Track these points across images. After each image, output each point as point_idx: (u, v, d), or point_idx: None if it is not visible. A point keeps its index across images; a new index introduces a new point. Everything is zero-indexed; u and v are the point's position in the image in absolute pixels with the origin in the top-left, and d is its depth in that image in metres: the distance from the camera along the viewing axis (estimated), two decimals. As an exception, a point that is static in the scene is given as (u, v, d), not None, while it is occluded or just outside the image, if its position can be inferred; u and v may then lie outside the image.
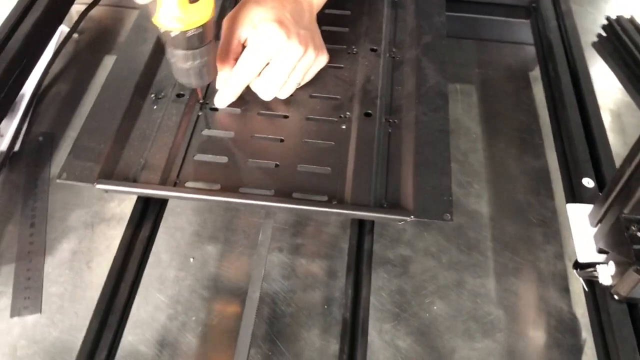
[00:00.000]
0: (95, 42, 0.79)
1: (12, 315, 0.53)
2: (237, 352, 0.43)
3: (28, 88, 0.69)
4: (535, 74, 0.76)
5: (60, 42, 0.75)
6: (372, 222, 0.50)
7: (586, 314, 0.54)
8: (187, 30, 0.44)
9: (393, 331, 0.53)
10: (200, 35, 0.45)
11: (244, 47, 0.53)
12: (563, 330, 0.54)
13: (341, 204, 0.48)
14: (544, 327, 0.55)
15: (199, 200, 0.47)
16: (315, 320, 0.54)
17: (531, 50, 0.78)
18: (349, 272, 0.47)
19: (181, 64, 0.48)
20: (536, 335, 0.54)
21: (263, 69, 0.53)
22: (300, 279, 0.57)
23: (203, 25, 0.45)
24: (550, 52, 0.67)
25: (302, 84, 0.57)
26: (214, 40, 0.48)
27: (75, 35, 0.78)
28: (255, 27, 0.52)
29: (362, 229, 0.49)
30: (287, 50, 0.52)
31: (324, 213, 0.47)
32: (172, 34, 0.44)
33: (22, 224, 0.59)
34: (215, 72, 0.52)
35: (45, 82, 0.72)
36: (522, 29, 0.79)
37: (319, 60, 0.56)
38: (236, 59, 0.53)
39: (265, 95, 0.55)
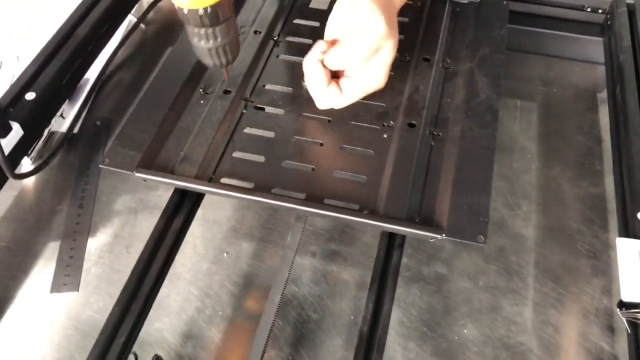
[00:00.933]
0: (161, 33, 0.81)
1: (51, 291, 0.56)
2: (251, 353, 0.43)
3: (92, 74, 0.72)
4: (603, 96, 0.72)
5: (127, 31, 0.78)
6: (403, 237, 0.48)
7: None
8: (198, 9, 0.43)
9: (418, 350, 0.52)
10: (214, 13, 0.44)
11: None
12: (601, 371, 0.51)
13: (372, 214, 0.47)
14: (580, 364, 0.51)
15: (232, 197, 0.48)
16: (340, 330, 0.53)
17: (601, 70, 0.74)
18: (372, 285, 0.46)
19: (199, 43, 0.47)
20: (571, 373, 0.51)
21: None
22: (330, 286, 0.56)
23: (216, 4, 0.44)
24: (620, 73, 0.63)
25: None
26: (233, 18, 0.47)
27: (143, 26, 0.81)
28: (379, 51, 0.50)
29: (391, 242, 0.48)
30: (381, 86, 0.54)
31: (353, 222, 0.46)
32: (185, 11, 0.44)
33: (71, 203, 0.62)
34: (237, 53, 0.50)
35: (109, 69, 0.75)
36: (595, 47, 0.74)
37: (380, 83, 0.54)
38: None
39: (323, 104, 0.55)
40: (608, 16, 0.72)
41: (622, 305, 0.47)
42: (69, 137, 0.67)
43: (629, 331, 0.47)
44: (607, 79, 0.67)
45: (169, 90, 0.55)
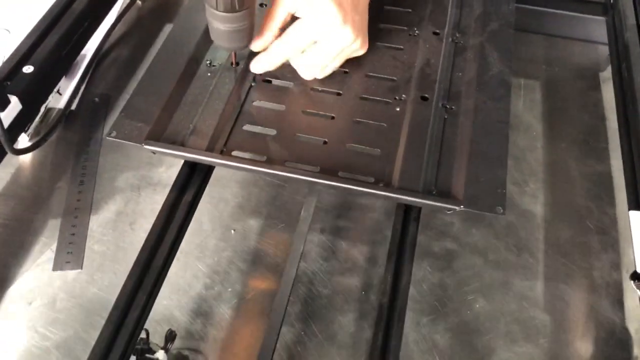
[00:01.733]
0: (158, 10, 0.80)
1: (54, 269, 0.54)
2: (268, 328, 0.42)
3: (89, 50, 0.70)
4: (606, 74, 0.72)
5: (123, 7, 0.76)
6: (419, 209, 0.48)
7: (640, 329, 0.51)
8: None
9: (431, 325, 0.51)
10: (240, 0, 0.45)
11: (292, 17, 0.52)
12: (613, 344, 0.51)
13: (388, 187, 0.46)
14: (592, 338, 0.51)
15: (244, 169, 0.47)
16: (351, 305, 0.53)
17: (603, 49, 0.74)
18: (390, 258, 0.45)
19: (218, 25, 0.47)
20: (583, 346, 0.51)
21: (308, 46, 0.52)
22: (340, 262, 0.55)
23: None
24: (625, 51, 0.63)
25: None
26: (254, 6, 0.48)
27: (139, 2, 0.79)
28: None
29: (407, 215, 0.48)
30: (340, 35, 0.50)
31: (369, 194, 0.45)
32: None
33: (71, 180, 0.60)
34: (251, 38, 0.51)
35: (106, 45, 0.73)
36: (596, 27, 0.74)
37: (361, 50, 0.54)
38: (282, 28, 0.52)
39: (305, 74, 0.54)
40: (611, -5, 0.72)
41: (636, 276, 0.47)
42: (66, 114, 0.65)
43: (643, 303, 0.47)
44: (612, 57, 0.66)
45: (175, 63, 0.54)
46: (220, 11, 0.46)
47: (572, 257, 0.56)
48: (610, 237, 0.57)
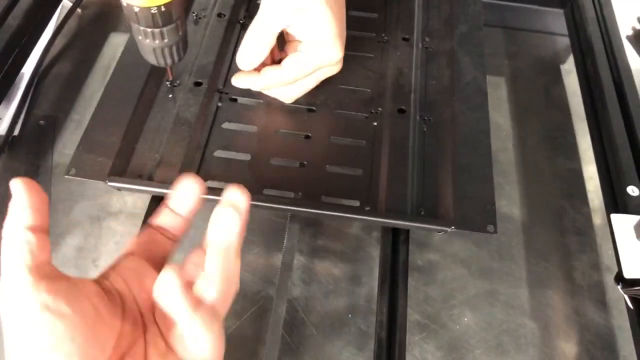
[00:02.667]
0: (100, 17, 0.74)
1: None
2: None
3: (28, 68, 0.64)
4: (567, 67, 0.72)
5: (62, 18, 0.70)
6: (407, 231, 0.46)
7: (624, 327, 0.51)
8: (150, 7, 0.40)
9: (422, 344, 0.50)
10: (165, 13, 0.41)
11: (283, 33, 0.47)
12: (600, 346, 0.51)
13: (375, 210, 0.44)
14: (579, 341, 0.52)
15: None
16: (338, 332, 0.50)
17: (562, 41, 0.74)
18: (382, 286, 0.43)
19: (146, 42, 0.43)
20: (572, 351, 0.51)
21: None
22: (322, 285, 0.53)
23: (169, 3, 0.40)
24: (588, 46, 0.63)
25: None
26: (183, 18, 0.43)
27: (79, 11, 0.73)
28: (302, 12, 0.44)
29: (396, 237, 0.46)
30: (334, 69, 0.49)
31: (356, 220, 0.43)
32: (135, 9, 0.40)
33: (22, 216, 0.55)
34: (184, 52, 0.46)
35: (46, 61, 0.67)
36: (554, 19, 0.74)
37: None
38: (269, 48, 0.47)
39: (289, 98, 0.51)
40: (568, -13, 0.72)
41: (621, 280, 0.47)
42: (9, 141, 0.59)
43: (631, 307, 0.47)
44: (574, 51, 0.66)
45: (132, 86, 0.49)
46: (143, 27, 0.42)
47: (552, 260, 0.56)
48: (587, 237, 0.58)
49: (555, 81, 0.71)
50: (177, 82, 0.51)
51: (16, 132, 0.61)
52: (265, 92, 0.50)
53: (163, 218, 0.36)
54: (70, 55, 0.69)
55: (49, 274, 0.28)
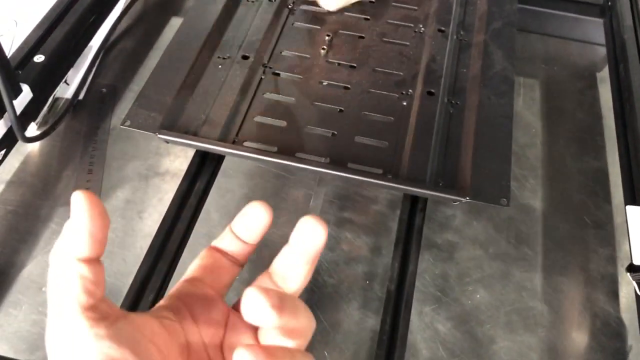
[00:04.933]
0: (164, 3, 0.80)
1: (64, 254, 0.55)
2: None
3: (95, 41, 0.71)
4: (603, 75, 0.74)
5: (129, 0, 0.76)
6: (425, 200, 0.49)
7: (634, 320, 0.52)
8: None
9: (433, 314, 0.53)
10: None
11: None
12: (608, 334, 0.53)
13: (396, 178, 0.48)
14: (588, 328, 0.53)
15: (256, 160, 0.48)
16: (356, 294, 0.54)
17: (600, 50, 0.76)
18: (397, 246, 0.46)
19: None
20: (579, 336, 0.53)
21: None
22: (345, 252, 0.57)
23: None
24: (623, 52, 0.65)
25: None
26: None
27: (145, -5, 0.80)
28: None
29: (414, 206, 0.49)
30: None
31: (378, 185, 0.46)
32: None
33: (80, 170, 0.61)
34: None
35: (112, 38, 0.74)
36: (593, 28, 0.76)
37: None
38: None
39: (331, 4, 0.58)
40: (608, -3, 0.74)
41: (632, 268, 0.49)
42: (74, 104, 0.66)
43: (638, 293, 0.49)
44: (609, 57, 0.68)
45: (187, 55, 0.55)
46: None
47: (569, 250, 0.58)
48: (606, 231, 0.59)
49: (589, 87, 0.73)
50: (228, 55, 0.56)
51: (81, 96, 0.67)
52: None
53: (227, 242, 0.33)
54: (134, 34, 0.76)
55: (105, 314, 0.25)
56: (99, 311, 0.25)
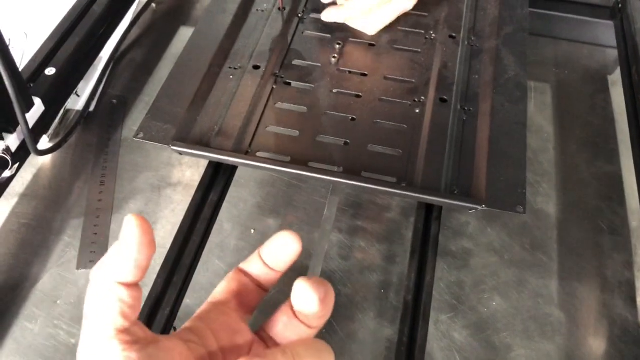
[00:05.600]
0: (172, 12, 0.81)
1: (78, 268, 0.55)
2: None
3: (105, 52, 0.71)
4: (614, 78, 0.74)
5: (138, 10, 0.77)
6: (440, 209, 0.49)
7: (654, 326, 0.52)
8: None
9: (449, 322, 0.53)
10: None
11: None
12: (627, 341, 0.52)
13: (411, 186, 0.47)
14: (606, 335, 0.53)
15: (269, 170, 0.48)
16: (371, 303, 0.54)
17: (611, 53, 0.76)
18: (413, 256, 0.46)
19: None
20: (597, 343, 0.52)
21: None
22: (359, 261, 0.56)
23: None
24: (635, 54, 0.65)
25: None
26: None
27: (153, 5, 0.80)
28: None
29: (429, 214, 0.49)
30: (407, 3, 0.59)
31: (393, 194, 0.46)
32: None
33: (92, 181, 0.61)
34: None
35: (122, 48, 0.74)
36: (604, 31, 0.76)
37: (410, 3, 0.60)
38: None
39: (371, 30, 0.60)
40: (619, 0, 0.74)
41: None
42: (85, 116, 0.66)
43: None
44: (621, 60, 0.68)
45: (198, 66, 0.55)
46: None
47: (585, 256, 0.57)
48: (622, 236, 0.59)
49: (601, 91, 0.73)
50: (239, 65, 0.56)
51: (92, 108, 0.67)
52: (350, 24, 0.60)
53: (254, 267, 0.32)
54: (144, 45, 0.76)
55: (137, 338, 0.26)
56: (132, 334, 0.25)
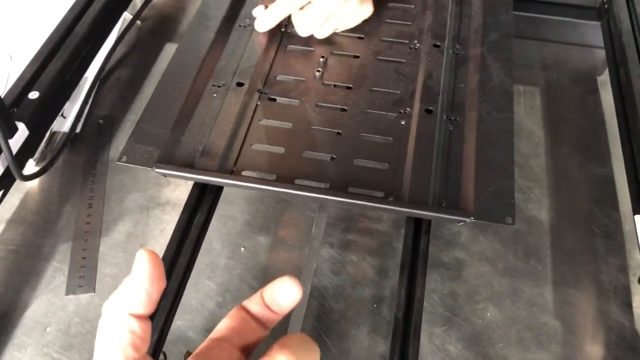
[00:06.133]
0: (157, 29, 0.80)
1: (67, 293, 0.54)
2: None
3: (90, 72, 0.70)
4: (603, 78, 0.73)
5: (123, 28, 0.76)
6: (429, 222, 0.48)
7: (650, 331, 0.51)
8: None
9: (444, 335, 0.52)
10: None
11: None
12: (624, 347, 0.52)
13: (398, 200, 0.47)
14: (603, 342, 0.52)
15: (255, 189, 0.47)
16: (364, 319, 0.53)
17: (599, 53, 0.75)
18: (402, 271, 0.45)
19: None
20: (594, 350, 0.52)
21: (306, 4, 0.57)
22: (350, 276, 0.56)
23: None
24: (622, 55, 0.64)
25: (342, 29, 0.60)
26: None
27: (138, 22, 0.79)
28: None
29: (418, 228, 0.48)
30: (360, 11, 0.57)
31: (380, 209, 0.46)
32: None
33: (80, 204, 0.61)
34: None
35: (107, 67, 0.74)
36: (591, 31, 0.75)
37: (363, 9, 0.59)
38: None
39: (302, 30, 0.59)
40: (605, 0, 0.73)
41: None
42: (71, 137, 0.65)
43: (653, 305, 0.47)
44: (609, 61, 0.67)
45: (181, 85, 0.54)
46: None
47: (579, 261, 0.57)
48: (616, 240, 0.58)
49: (590, 92, 0.72)
50: (222, 82, 0.56)
51: (78, 129, 0.67)
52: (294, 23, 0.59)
53: (256, 307, 0.32)
54: (129, 62, 0.76)
55: None
56: None
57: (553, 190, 0.62)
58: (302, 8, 0.58)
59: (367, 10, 0.59)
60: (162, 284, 0.27)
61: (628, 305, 0.54)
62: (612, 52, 0.68)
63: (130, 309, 0.26)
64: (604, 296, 0.55)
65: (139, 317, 0.27)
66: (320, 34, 0.59)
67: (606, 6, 0.73)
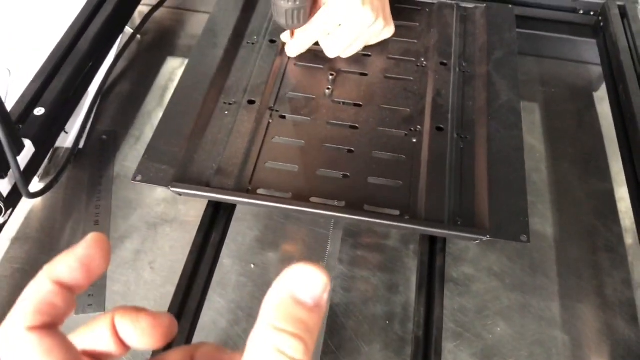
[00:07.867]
0: (157, 43, 0.80)
1: (76, 313, 0.53)
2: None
3: (92, 87, 0.70)
4: (600, 94, 0.75)
5: (123, 43, 0.76)
6: (444, 240, 0.49)
7: (656, 345, 0.52)
8: None
9: (456, 351, 0.52)
10: None
11: (317, 5, 0.57)
12: (632, 361, 0.53)
13: (414, 219, 0.47)
14: (611, 355, 0.53)
15: (273, 208, 0.47)
16: (377, 335, 0.53)
17: (594, 69, 0.77)
18: (420, 289, 0.46)
19: (280, 3, 0.54)
20: (603, 364, 0.53)
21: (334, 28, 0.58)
22: (362, 292, 0.56)
23: None
24: (620, 73, 0.66)
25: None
26: None
27: (139, 37, 0.79)
28: None
29: (433, 245, 0.49)
30: (359, 16, 0.56)
31: (398, 228, 0.46)
32: None
33: (86, 221, 0.60)
34: (307, 19, 0.57)
35: (109, 81, 0.73)
36: (587, 48, 0.77)
37: (386, 31, 0.61)
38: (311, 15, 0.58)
39: (330, 52, 0.60)
40: (600, 18, 0.75)
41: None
42: (75, 153, 0.65)
43: (661, 321, 0.49)
44: (606, 78, 0.69)
45: (192, 103, 0.54)
46: None
47: (584, 276, 0.58)
48: (619, 254, 0.59)
49: (587, 108, 0.74)
50: (233, 100, 0.56)
51: (81, 145, 0.66)
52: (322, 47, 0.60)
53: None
54: (130, 77, 0.75)
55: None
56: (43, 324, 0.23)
57: (555, 205, 0.63)
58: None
59: (390, 31, 0.61)
60: (101, 261, 0.24)
61: (634, 318, 0.55)
62: (609, 69, 0.70)
63: (54, 270, 0.24)
64: (610, 310, 0.56)
65: (62, 285, 0.24)
66: (347, 55, 0.61)
67: (602, 24, 0.75)
